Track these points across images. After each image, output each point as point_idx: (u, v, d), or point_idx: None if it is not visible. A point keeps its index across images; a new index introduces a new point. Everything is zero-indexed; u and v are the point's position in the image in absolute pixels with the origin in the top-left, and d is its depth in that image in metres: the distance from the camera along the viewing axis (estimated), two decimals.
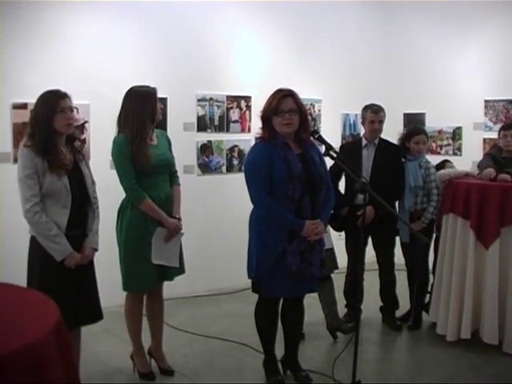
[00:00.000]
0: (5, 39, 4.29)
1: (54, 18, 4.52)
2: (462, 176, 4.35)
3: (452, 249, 4.15)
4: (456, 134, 6.23)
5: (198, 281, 5.18)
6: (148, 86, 3.46)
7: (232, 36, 5.52)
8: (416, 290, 4.48)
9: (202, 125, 5.41)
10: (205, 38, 5.35)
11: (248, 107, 5.67)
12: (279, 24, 5.85)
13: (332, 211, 3.64)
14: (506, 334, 3.93)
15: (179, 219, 3.55)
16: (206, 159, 5.45)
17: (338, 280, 4.49)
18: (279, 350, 3.64)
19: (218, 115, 5.49)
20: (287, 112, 3.26)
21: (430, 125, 6.19)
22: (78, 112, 4.10)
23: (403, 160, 4.49)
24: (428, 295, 4.55)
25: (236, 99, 5.61)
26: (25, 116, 3.91)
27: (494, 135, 4.86)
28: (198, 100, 5.37)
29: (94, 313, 3.17)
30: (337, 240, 4.52)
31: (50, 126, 2.97)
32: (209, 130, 5.46)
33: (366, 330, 4.41)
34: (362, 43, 6.52)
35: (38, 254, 3.00)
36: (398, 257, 4.59)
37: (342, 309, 4.48)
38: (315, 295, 4.01)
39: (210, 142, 5.45)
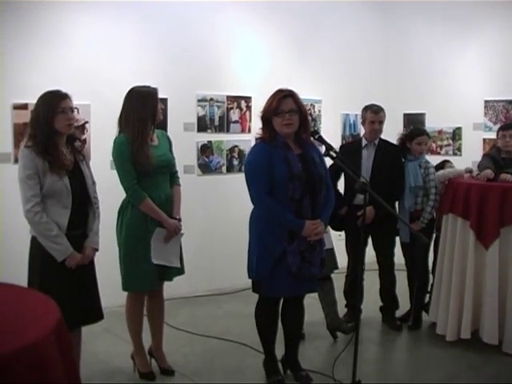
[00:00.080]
0: (5, 39, 4.30)
1: (55, 18, 4.53)
2: (462, 174, 4.36)
3: (452, 249, 4.16)
4: (456, 134, 6.24)
5: (198, 281, 5.19)
6: (149, 87, 3.46)
7: (232, 36, 5.53)
8: (416, 290, 4.48)
9: (203, 125, 5.42)
10: (205, 39, 5.35)
11: (248, 107, 5.67)
12: (279, 24, 5.86)
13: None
14: (505, 333, 3.93)
15: (179, 220, 3.55)
16: (207, 159, 5.46)
17: (338, 280, 4.49)
18: (279, 350, 3.64)
19: (218, 115, 5.50)
20: (287, 112, 3.26)
21: (430, 125, 6.20)
22: (78, 112, 4.12)
23: (403, 160, 4.50)
24: (428, 295, 4.56)
25: (236, 99, 5.61)
26: (25, 116, 3.92)
27: (493, 135, 4.86)
28: (199, 100, 5.38)
29: (94, 313, 3.18)
30: (337, 240, 4.53)
31: (50, 127, 2.98)
32: (209, 131, 5.46)
33: (365, 329, 4.41)
34: (361, 43, 6.53)
35: (38, 254, 3.00)
36: (398, 257, 4.59)
37: (341, 309, 4.48)
38: (315, 295, 4.01)
39: (210, 142, 5.46)
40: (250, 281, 3.48)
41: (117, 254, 3.48)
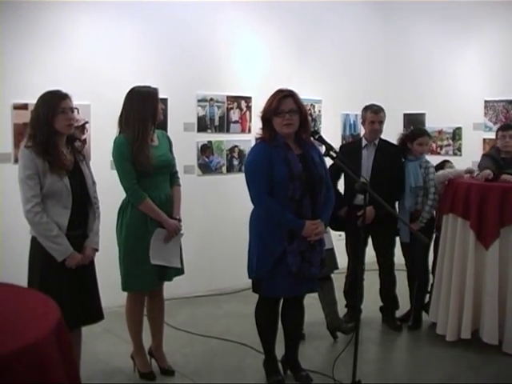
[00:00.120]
0: (5, 39, 4.30)
1: (55, 18, 4.53)
2: (462, 175, 4.36)
3: (452, 249, 4.16)
4: (456, 134, 6.24)
5: (198, 281, 5.18)
6: (149, 87, 3.46)
7: (232, 36, 5.53)
8: (416, 290, 4.48)
9: (203, 125, 5.42)
10: (205, 39, 5.35)
11: (248, 108, 5.67)
12: (279, 24, 5.86)
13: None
14: (505, 333, 3.93)
15: (179, 220, 3.55)
16: (207, 159, 5.46)
17: (338, 280, 4.49)
18: (279, 350, 3.64)
19: (218, 116, 5.50)
20: (287, 112, 3.26)
21: (430, 125, 6.19)
22: (78, 112, 4.13)
23: (403, 160, 4.50)
24: (428, 295, 4.56)
25: (236, 100, 5.61)
26: (25, 116, 3.92)
27: (493, 135, 4.85)
28: (199, 100, 5.38)
29: (94, 313, 3.18)
30: (337, 240, 4.52)
31: (50, 127, 2.97)
32: (209, 131, 5.46)
33: (366, 330, 4.41)
34: (361, 43, 6.53)
35: (38, 254, 3.00)
36: (398, 257, 4.59)
37: (342, 309, 4.48)
38: (315, 295, 4.01)
39: (210, 142, 5.46)
40: (250, 281, 3.48)
41: (117, 254, 3.48)
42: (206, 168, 5.46)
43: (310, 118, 3.77)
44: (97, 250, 3.19)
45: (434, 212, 4.46)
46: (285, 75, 5.53)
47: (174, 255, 3.51)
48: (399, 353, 4.32)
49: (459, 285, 4.08)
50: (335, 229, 4.46)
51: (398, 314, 4.66)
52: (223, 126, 5.53)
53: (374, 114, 4.48)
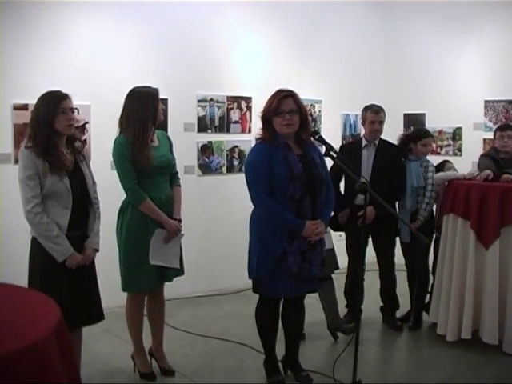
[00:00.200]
0: (5, 39, 4.30)
1: (55, 18, 4.53)
2: (461, 178, 4.35)
3: (452, 249, 4.16)
4: (456, 134, 6.24)
5: (198, 281, 5.18)
6: (150, 87, 3.46)
7: (232, 37, 5.53)
8: (416, 291, 4.48)
9: (203, 125, 5.42)
10: (205, 39, 5.36)
11: (248, 108, 5.67)
12: (279, 24, 5.86)
13: (332, 212, 3.65)
14: (505, 333, 3.93)
15: (180, 220, 3.55)
16: (207, 160, 5.46)
17: (339, 280, 4.49)
18: (280, 350, 3.64)
19: (218, 116, 5.50)
20: (287, 113, 3.26)
21: (430, 125, 6.18)
22: (78, 113, 4.12)
23: (404, 160, 4.49)
24: (428, 295, 4.56)
25: (236, 100, 5.61)
26: (25, 117, 3.91)
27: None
28: (199, 101, 5.38)
29: (95, 313, 3.18)
30: (337, 240, 4.52)
31: (50, 127, 2.97)
32: (209, 131, 5.46)
33: (366, 330, 4.41)
34: (362, 43, 6.53)
35: (39, 254, 3.00)
36: (398, 257, 4.59)
37: (342, 309, 4.48)
38: (316, 295, 4.01)
39: (210, 142, 5.46)
40: (250, 281, 3.48)
41: (117, 254, 3.48)
42: (206, 168, 5.46)
43: (310, 118, 3.78)
44: (97, 250, 3.18)
45: (434, 212, 4.45)
46: (285, 75, 5.54)
47: (174, 256, 3.51)
48: (399, 353, 4.32)
49: (459, 285, 4.08)
50: (335, 229, 4.46)
51: (399, 314, 4.66)
52: (223, 126, 5.53)
53: (374, 114, 4.48)
